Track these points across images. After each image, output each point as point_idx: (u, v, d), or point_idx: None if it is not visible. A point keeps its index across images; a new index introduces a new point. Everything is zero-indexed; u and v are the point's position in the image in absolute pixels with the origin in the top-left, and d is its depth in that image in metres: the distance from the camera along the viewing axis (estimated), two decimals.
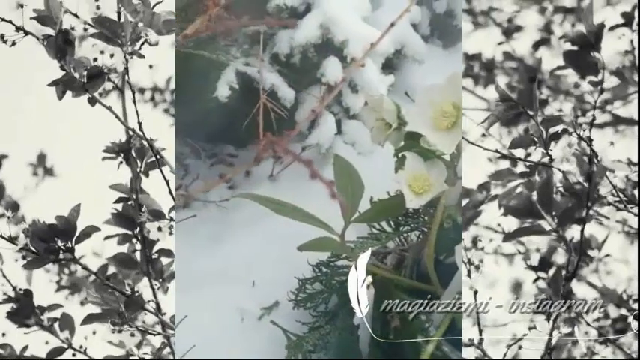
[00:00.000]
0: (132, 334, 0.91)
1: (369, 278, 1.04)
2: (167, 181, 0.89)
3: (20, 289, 0.93)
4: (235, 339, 1.38)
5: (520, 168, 1.08)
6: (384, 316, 1.15)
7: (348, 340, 1.21)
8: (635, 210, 1.09)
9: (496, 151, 1.06)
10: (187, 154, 2.00)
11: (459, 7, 2.43)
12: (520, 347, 1.10)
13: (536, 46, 1.18)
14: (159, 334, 0.93)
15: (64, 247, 0.87)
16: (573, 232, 1.08)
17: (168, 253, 0.91)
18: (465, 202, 1.16)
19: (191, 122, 1.87)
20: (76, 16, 0.84)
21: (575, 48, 0.96)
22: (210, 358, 1.29)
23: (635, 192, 1.08)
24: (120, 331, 0.90)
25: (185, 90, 1.71)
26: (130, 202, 0.89)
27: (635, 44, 1.23)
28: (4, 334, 0.92)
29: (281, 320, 1.35)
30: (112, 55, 0.84)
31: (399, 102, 1.10)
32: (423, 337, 1.08)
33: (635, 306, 1.16)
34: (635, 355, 1.11)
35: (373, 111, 1.10)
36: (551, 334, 1.08)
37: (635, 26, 1.21)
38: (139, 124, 0.87)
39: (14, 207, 1.03)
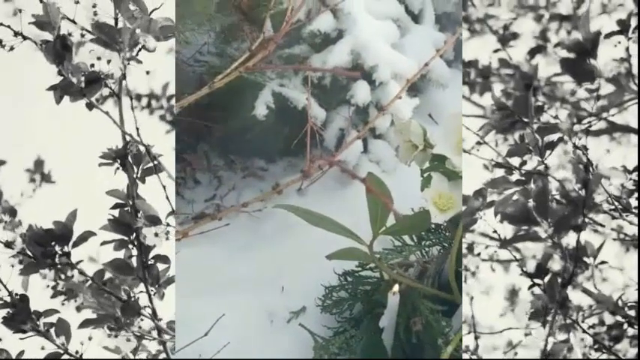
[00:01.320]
0: (128, 340, 0.90)
1: (396, 286, 1.13)
2: (164, 187, 0.89)
3: (16, 295, 0.93)
4: (265, 340, 1.46)
5: (516, 176, 1.08)
6: (407, 321, 1.22)
7: (373, 342, 1.27)
8: (631, 218, 1.10)
9: (492, 161, 1.07)
10: (221, 167, 2.12)
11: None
12: (516, 354, 1.10)
13: (533, 53, 1.19)
14: (154, 339, 0.93)
15: (60, 253, 0.87)
16: (569, 240, 1.08)
17: (164, 259, 0.91)
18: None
19: (227, 137, 2.04)
20: (73, 21, 0.84)
21: (571, 55, 0.96)
22: (241, 357, 1.38)
23: (631, 200, 1.08)
24: (116, 337, 0.90)
25: (223, 107, 1.92)
26: (126, 208, 0.89)
27: (631, 52, 1.23)
28: (0, 340, 0.92)
29: (308, 324, 1.43)
30: (109, 61, 0.84)
31: (423, 124, 1.18)
32: (443, 341, 1.14)
33: (631, 313, 1.17)
34: None
35: (400, 133, 1.19)
36: (546, 341, 1.08)
37: (630, 34, 1.22)
38: (136, 129, 0.88)
39: (11, 212, 1.03)
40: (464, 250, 1.16)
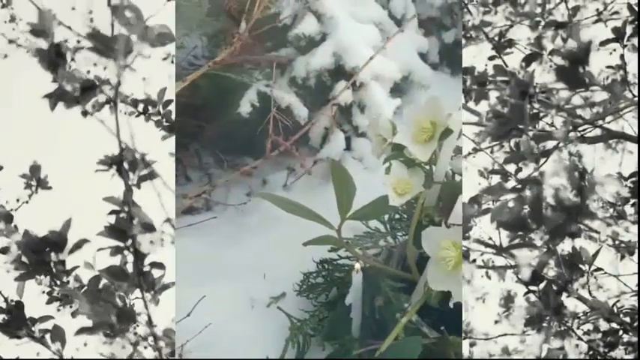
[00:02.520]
0: (123, 347, 0.91)
1: (357, 265, 1.22)
2: (159, 194, 0.89)
3: (12, 301, 0.93)
4: (245, 322, 1.55)
5: (512, 182, 1.09)
6: (372, 299, 1.32)
7: (339, 318, 1.38)
8: (626, 224, 1.10)
9: (490, 170, 1.07)
10: (211, 164, 2.25)
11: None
12: None
13: (528, 60, 1.19)
14: (150, 346, 0.93)
15: (55, 260, 0.87)
16: (564, 246, 1.09)
17: (159, 265, 0.91)
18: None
19: (217, 136, 2.17)
20: (69, 28, 0.84)
21: (565, 63, 0.96)
22: (222, 338, 1.47)
23: (626, 207, 1.08)
24: (111, 344, 0.90)
25: (213, 107, 2.04)
26: (122, 215, 0.89)
27: (627, 59, 1.23)
28: None
29: (287, 308, 1.53)
30: (104, 68, 0.84)
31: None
32: (401, 315, 1.21)
33: (626, 320, 1.17)
34: None
35: (372, 128, 1.30)
36: (541, 348, 1.08)
37: (626, 41, 1.22)
38: (132, 137, 0.88)
39: (7, 218, 1.03)
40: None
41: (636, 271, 1.21)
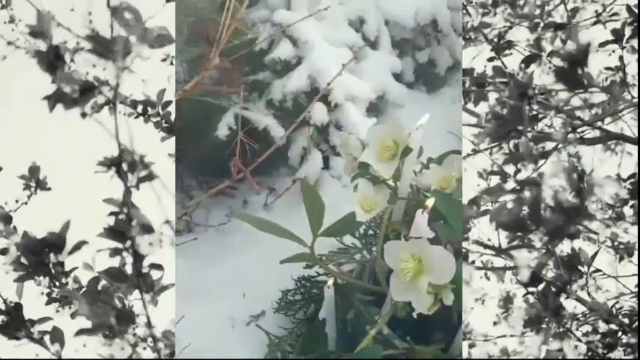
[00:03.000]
0: (122, 348, 0.91)
1: (330, 280, 1.26)
2: (158, 195, 0.89)
3: (11, 302, 0.93)
4: (224, 341, 1.58)
5: (511, 184, 1.09)
6: (344, 314, 1.37)
7: (311, 332, 1.43)
8: (624, 226, 1.10)
9: (489, 172, 1.07)
10: (194, 186, 2.30)
11: (440, 57, 2.80)
12: None
13: (527, 62, 1.19)
14: (149, 347, 0.93)
15: (54, 261, 0.87)
16: (563, 248, 1.09)
17: (158, 267, 0.91)
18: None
19: (197, 158, 2.22)
20: (68, 30, 0.84)
21: (564, 65, 0.97)
22: (200, 357, 1.50)
23: (625, 209, 1.09)
24: (110, 345, 0.90)
25: (193, 130, 2.10)
26: (121, 216, 0.89)
27: (626, 60, 1.23)
28: None
29: (266, 326, 1.54)
30: (104, 69, 0.84)
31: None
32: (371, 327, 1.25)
33: (625, 321, 1.17)
34: None
35: (343, 147, 1.36)
36: (540, 349, 1.08)
37: (624, 43, 1.22)
38: (131, 138, 0.88)
39: (6, 219, 1.03)
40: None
41: (635, 273, 1.21)
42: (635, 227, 1.14)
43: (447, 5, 2.69)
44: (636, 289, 1.22)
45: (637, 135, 1.21)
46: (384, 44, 2.59)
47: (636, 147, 1.22)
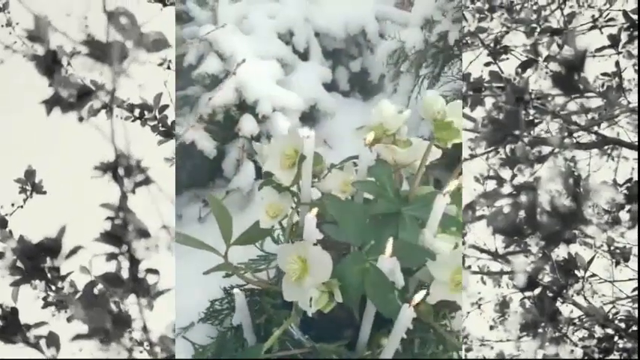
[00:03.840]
0: (118, 352, 0.90)
1: (236, 290, 1.30)
2: (154, 200, 0.89)
3: (7, 307, 0.93)
4: None
5: (507, 188, 1.09)
6: (256, 316, 1.42)
7: (221, 339, 1.50)
8: (621, 230, 1.10)
9: (486, 176, 1.07)
10: None
11: (372, 66, 2.89)
12: None
13: (524, 67, 1.19)
14: (145, 350, 0.93)
15: (50, 266, 0.87)
16: (559, 252, 1.09)
17: (154, 271, 0.91)
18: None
19: None
20: (65, 34, 0.84)
21: (560, 70, 0.97)
22: None
23: (621, 214, 1.09)
24: (107, 350, 0.90)
25: None
26: (117, 221, 0.89)
27: (622, 66, 1.24)
28: None
29: (195, 337, 1.57)
30: (100, 74, 0.84)
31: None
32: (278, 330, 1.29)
33: (622, 325, 1.17)
34: None
35: (260, 157, 1.45)
36: (536, 354, 1.09)
37: (621, 48, 1.22)
38: (127, 142, 0.88)
39: (2, 223, 1.03)
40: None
41: (631, 277, 1.21)
42: (631, 232, 1.14)
43: (374, 16, 2.76)
44: (632, 294, 1.22)
45: (633, 140, 1.21)
46: (314, 55, 2.68)
47: (632, 151, 1.22)
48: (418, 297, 1.05)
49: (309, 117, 2.42)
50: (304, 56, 2.63)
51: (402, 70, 2.45)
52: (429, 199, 1.14)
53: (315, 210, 1.13)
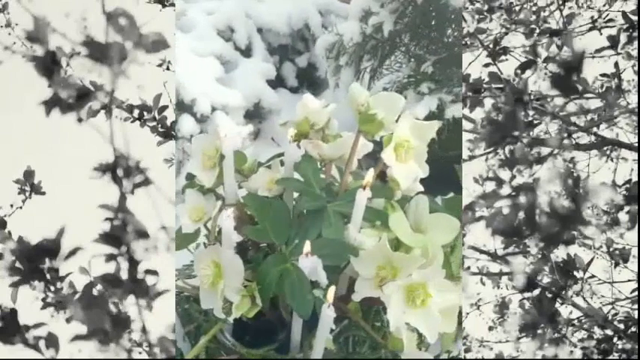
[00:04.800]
0: (117, 353, 0.90)
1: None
2: (153, 201, 0.89)
3: (6, 308, 0.93)
4: None
5: (506, 189, 1.09)
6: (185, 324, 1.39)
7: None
8: (620, 231, 1.10)
9: (485, 177, 1.07)
10: None
11: (320, 61, 2.88)
12: None
13: (523, 68, 1.19)
14: (145, 351, 0.93)
15: (49, 266, 0.87)
16: (559, 253, 1.09)
17: (154, 272, 0.91)
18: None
19: None
20: (64, 35, 0.84)
21: (559, 71, 0.97)
22: None
23: (620, 215, 1.09)
24: (106, 350, 0.90)
25: None
26: (116, 222, 0.89)
27: (621, 67, 1.24)
28: None
29: None
30: (99, 75, 0.84)
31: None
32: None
33: (621, 326, 1.17)
34: None
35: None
36: (535, 355, 1.09)
37: (620, 49, 1.23)
38: (127, 143, 0.88)
39: (1, 224, 1.03)
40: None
41: (630, 278, 1.22)
42: (631, 233, 1.14)
43: (317, 9, 2.73)
44: (632, 295, 1.22)
45: (632, 141, 1.21)
46: (257, 51, 2.68)
47: (631, 152, 1.22)
48: (330, 294, 1.02)
49: (254, 114, 2.38)
50: (247, 53, 2.57)
51: (342, 63, 2.42)
52: (355, 194, 1.10)
53: (230, 210, 1.10)
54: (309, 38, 2.83)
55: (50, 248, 0.88)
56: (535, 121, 1.12)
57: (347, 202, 1.15)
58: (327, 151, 1.26)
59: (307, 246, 1.06)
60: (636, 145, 1.21)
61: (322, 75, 2.90)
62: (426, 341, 1.06)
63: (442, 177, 1.29)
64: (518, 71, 1.20)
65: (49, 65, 0.84)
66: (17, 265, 0.88)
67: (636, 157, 1.23)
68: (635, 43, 1.24)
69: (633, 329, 1.17)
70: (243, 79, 2.40)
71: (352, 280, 1.13)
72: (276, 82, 2.53)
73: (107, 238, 0.89)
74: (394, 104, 1.17)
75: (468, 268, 1.20)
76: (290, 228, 1.16)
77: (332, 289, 1.02)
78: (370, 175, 1.10)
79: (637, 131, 1.21)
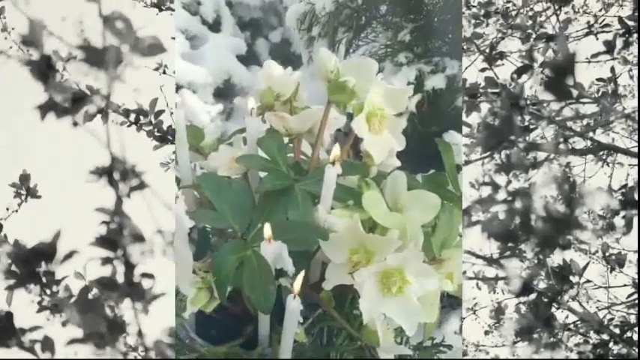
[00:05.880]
0: (113, 357, 0.90)
1: None
2: (149, 205, 0.89)
3: (1, 311, 0.93)
4: None
5: (502, 194, 1.09)
6: None
7: None
8: (616, 236, 1.10)
9: (481, 182, 1.07)
10: None
11: (294, 36, 2.71)
12: None
13: (519, 72, 1.19)
14: (140, 356, 0.93)
15: (45, 270, 0.87)
16: (554, 258, 1.09)
17: (150, 276, 0.91)
18: None
19: None
20: (60, 39, 0.84)
21: (553, 75, 0.97)
22: None
23: (615, 220, 1.09)
24: (102, 354, 0.90)
25: None
26: (112, 225, 0.89)
27: (617, 72, 1.24)
28: None
29: None
30: (95, 79, 0.84)
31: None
32: None
33: (617, 331, 1.17)
34: None
35: None
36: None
37: (616, 54, 1.23)
38: (123, 147, 0.88)
39: None
40: None
41: (626, 283, 1.22)
42: (626, 238, 1.14)
43: None
44: (627, 300, 1.22)
45: (628, 146, 1.21)
46: (226, 26, 2.56)
47: (627, 157, 1.22)
48: (297, 284, 0.91)
49: (225, 93, 2.30)
50: (215, 27, 2.48)
51: (315, 35, 2.30)
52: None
53: (180, 193, 1.00)
54: (282, 12, 2.71)
55: (46, 251, 0.88)
56: (531, 126, 1.12)
57: (316, 180, 1.03)
58: (294, 123, 1.14)
59: (267, 229, 0.95)
60: (632, 149, 1.21)
61: (297, 51, 2.75)
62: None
63: (423, 154, 1.21)
64: (515, 76, 1.20)
65: (44, 69, 0.84)
66: (13, 268, 0.88)
67: (632, 162, 1.23)
68: (631, 48, 1.24)
69: (629, 334, 1.17)
70: (212, 55, 2.32)
71: (325, 267, 1.01)
72: (249, 59, 2.41)
73: (103, 241, 0.88)
74: (367, 70, 1.07)
75: (464, 272, 1.20)
76: (253, 212, 1.04)
77: (299, 278, 0.92)
78: (338, 148, 1.00)
79: (633, 136, 1.21)
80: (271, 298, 0.94)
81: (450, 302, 1.30)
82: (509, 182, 1.07)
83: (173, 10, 1.33)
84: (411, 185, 1.06)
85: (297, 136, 1.16)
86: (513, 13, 1.27)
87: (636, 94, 1.24)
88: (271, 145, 1.10)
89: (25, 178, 1.14)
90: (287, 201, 1.04)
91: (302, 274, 0.92)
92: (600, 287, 1.22)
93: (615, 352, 1.16)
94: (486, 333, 1.26)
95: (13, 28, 0.99)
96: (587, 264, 1.15)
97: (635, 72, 1.25)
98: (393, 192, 1.05)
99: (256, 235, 1.00)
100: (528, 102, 1.12)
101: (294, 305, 0.91)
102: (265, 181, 1.07)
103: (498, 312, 1.19)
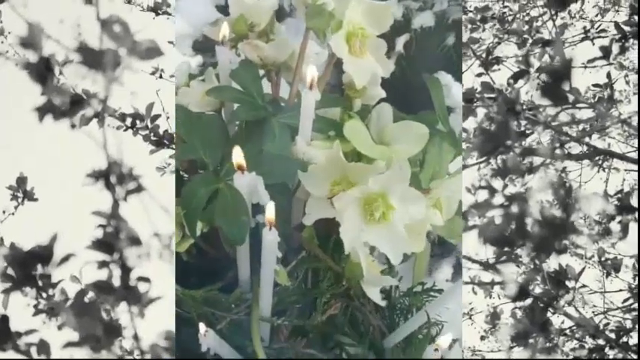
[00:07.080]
0: None
1: None
2: (146, 208, 0.89)
3: None
4: None
5: (498, 199, 1.09)
6: None
7: None
8: (612, 241, 1.10)
9: (477, 187, 1.08)
10: None
11: None
12: None
13: (515, 77, 1.20)
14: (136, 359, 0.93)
15: (41, 273, 0.87)
16: (550, 263, 1.09)
17: (146, 279, 0.91)
18: None
19: None
20: (57, 42, 0.84)
21: (549, 80, 0.97)
22: None
23: (611, 225, 1.09)
24: (97, 358, 0.90)
25: None
26: (109, 229, 0.89)
27: (613, 77, 1.24)
28: None
29: None
30: (92, 82, 0.84)
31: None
32: None
33: (613, 336, 1.17)
34: None
35: None
36: None
37: (612, 60, 1.23)
38: (120, 150, 0.88)
39: None
40: None
41: (622, 288, 1.22)
42: (622, 243, 1.14)
43: None
44: (623, 305, 1.23)
45: (624, 151, 1.22)
46: None
47: (623, 162, 1.23)
48: (269, 213, 0.84)
49: (205, 46, 2.19)
50: None
51: None
52: None
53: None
54: None
55: (42, 255, 0.88)
56: (527, 131, 1.12)
57: (295, 114, 0.97)
58: (269, 52, 1.06)
59: (237, 154, 0.88)
60: (628, 155, 1.22)
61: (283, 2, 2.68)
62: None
63: (412, 99, 1.13)
64: (511, 81, 1.20)
65: (42, 72, 0.84)
66: (9, 271, 0.88)
67: (628, 167, 1.24)
68: (627, 53, 1.24)
69: (625, 339, 1.17)
70: (190, 4, 2.10)
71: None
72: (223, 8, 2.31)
73: (100, 244, 0.88)
74: None
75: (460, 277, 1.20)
76: (226, 145, 0.98)
77: (270, 208, 0.84)
78: (314, 69, 0.92)
79: (629, 141, 1.21)
80: (245, 228, 0.89)
81: (442, 250, 1.27)
82: (505, 187, 1.07)
83: (169, 14, 1.33)
84: (397, 118, 1.00)
85: (273, 69, 1.09)
86: (510, 18, 1.28)
87: (632, 100, 1.24)
88: (245, 77, 1.05)
89: (22, 180, 1.14)
90: (263, 133, 0.99)
91: (272, 203, 0.85)
92: (596, 292, 1.23)
93: (611, 357, 1.17)
94: (482, 338, 1.26)
95: (9, 32, 0.99)
96: (583, 269, 1.15)
97: (630, 77, 1.25)
98: (378, 125, 0.99)
99: (230, 169, 0.93)
100: (524, 107, 1.12)
101: (270, 237, 0.84)
102: (238, 112, 1.02)
103: (494, 317, 1.19)
